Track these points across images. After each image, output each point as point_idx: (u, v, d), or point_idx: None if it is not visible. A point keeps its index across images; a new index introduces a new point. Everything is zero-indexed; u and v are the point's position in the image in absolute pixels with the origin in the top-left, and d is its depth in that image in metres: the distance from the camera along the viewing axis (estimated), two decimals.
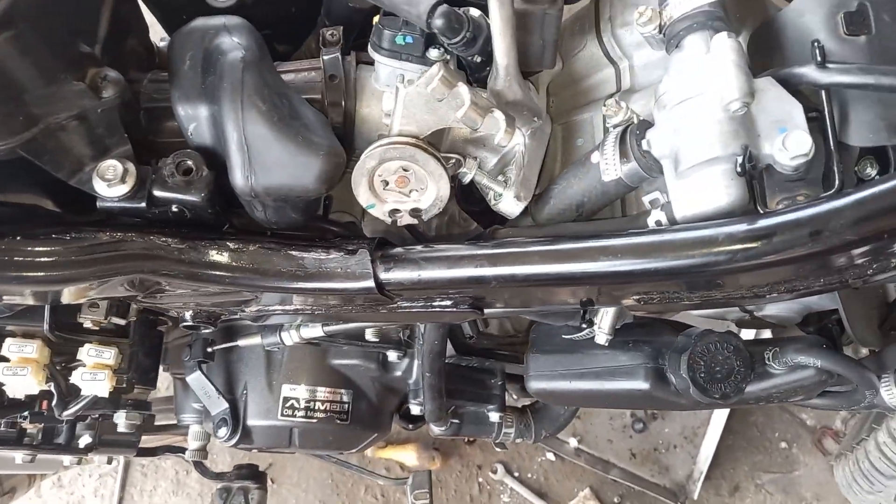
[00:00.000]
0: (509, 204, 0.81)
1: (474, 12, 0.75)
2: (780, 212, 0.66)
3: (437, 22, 0.70)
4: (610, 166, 0.76)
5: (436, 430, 1.25)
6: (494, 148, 0.84)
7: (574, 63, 0.94)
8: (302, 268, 0.79)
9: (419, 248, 0.80)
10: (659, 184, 0.78)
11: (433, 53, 0.78)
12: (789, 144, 0.68)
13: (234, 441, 1.18)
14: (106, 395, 1.04)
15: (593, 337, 1.00)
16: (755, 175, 0.70)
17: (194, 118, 0.75)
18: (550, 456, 2.27)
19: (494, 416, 1.28)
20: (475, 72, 0.80)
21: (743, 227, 0.66)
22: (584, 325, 0.92)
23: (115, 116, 0.71)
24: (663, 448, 2.32)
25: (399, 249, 0.80)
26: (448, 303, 0.82)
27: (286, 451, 1.41)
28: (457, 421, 1.26)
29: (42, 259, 0.69)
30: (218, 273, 0.77)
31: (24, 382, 0.98)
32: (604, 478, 2.24)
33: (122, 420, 1.26)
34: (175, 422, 1.42)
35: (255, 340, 1.13)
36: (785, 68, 0.74)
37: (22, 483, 1.53)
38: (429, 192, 0.80)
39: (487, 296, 0.80)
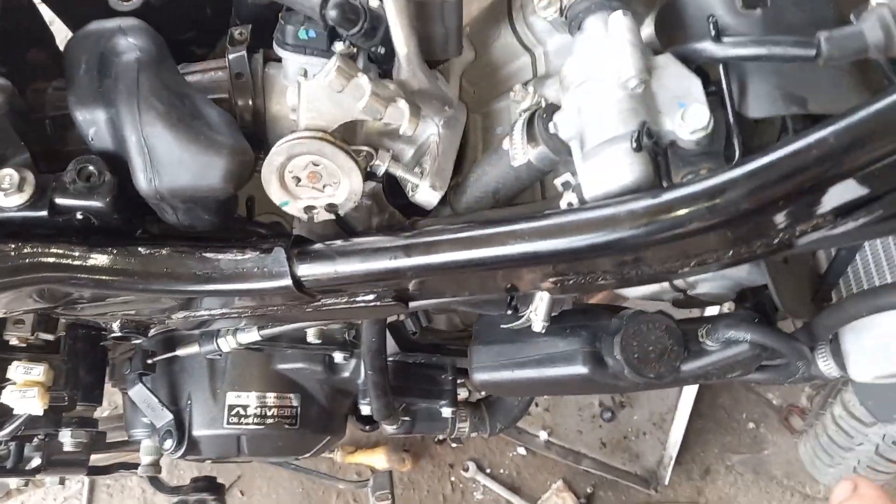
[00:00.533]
0: (426, 194, 0.81)
1: (373, 2, 0.74)
2: (678, 185, 0.66)
3: (331, 13, 0.69)
4: (518, 151, 0.76)
5: (388, 429, 1.25)
6: (409, 139, 0.84)
7: (491, 52, 0.94)
8: (218, 269, 0.78)
9: (338, 242, 0.79)
10: (572, 166, 0.79)
11: (338, 47, 0.77)
12: (688, 119, 0.69)
13: (180, 453, 1.16)
14: (40, 412, 1.02)
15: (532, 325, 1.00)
16: (660, 151, 0.71)
17: (93, 122, 0.74)
18: (521, 450, 2.26)
19: (447, 412, 1.27)
20: (383, 63, 0.80)
21: (643, 203, 0.66)
22: (510, 312, 0.91)
23: (6, 124, 0.70)
24: (633, 436, 2.33)
25: (317, 245, 0.80)
26: (371, 297, 0.81)
27: (238, 461, 1.40)
28: (408, 419, 1.25)
29: None
30: (128, 280, 0.76)
31: None
32: (575, 469, 2.25)
33: (67, 439, 1.24)
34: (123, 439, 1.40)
35: (194, 349, 1.11)
36: (684, 44, 0.75)
37: None
38: (342, 186, 0.79)
39: (408, 287, 0.80)
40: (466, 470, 2.21)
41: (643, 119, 0.69)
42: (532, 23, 0.89)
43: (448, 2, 0.74)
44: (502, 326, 1.05)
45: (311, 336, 1.15)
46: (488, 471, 2.23)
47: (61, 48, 0.91)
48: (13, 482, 1.27)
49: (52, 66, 0.88)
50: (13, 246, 0.70)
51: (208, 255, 0.78)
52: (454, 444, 1.46)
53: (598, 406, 2.31)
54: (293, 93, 0.77)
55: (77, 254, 0.73)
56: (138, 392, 1.16)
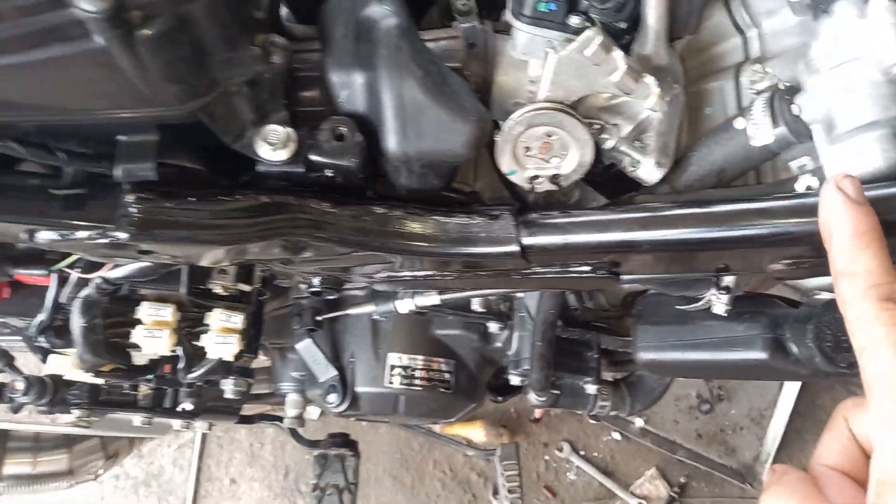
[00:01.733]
0: (649, 171, 0.82)
1: None
2: None
3: None
4: (759, 131, 0.76)
5: (535, 400, 1.27)
6: (630, 115, 0.84)
7: (700, 31, 0.93)
8: (446, 233, 0.81)
9: (558, 213, 0.82)
10: (802, 149, 0.79)
11: (574, 20, 0.78)
12: None
13: (343, 407, 1.21)
14: (232, 358, 1.08)
15: (708, 308, 1.00)
16: None
17: (348, 85, 0.77)
18: (616, 435, 2.28)
19: (591, 389, 1.30)
20: (616, 38, 0.81)
21: None
22: (721, 293, 0.92)
23: (279, 82, 0.74)
24: (730, 429, 2.31)
25: (536, 215, 0.82)
26: (586, 269, 0.83)
27: (384, 420, 1.45)
28: (556, 392, 1.27)
29: (211, 220, 0.73)
30: (366, 237, 0.79)
31: (159, 344, 1.02)
32: (669, 458, 2.25)
33: (229, 386, 1.31)
34: (267, 391, 1.47)
35: (368, 309, 1.16)
36: None
37: (124, 447, 1.59)
38: (570, 158, 0.81)
39: (628, 261, 0.81)
40: (561, 450, 2.24)
41: None
42: (749, 3, 0.88)
43: None
44: (677, 307, 1.06)
45: (476, 305, 1.18)
46: (582, 453, 2.25)
47: None
48: (177, 423, 1.35)
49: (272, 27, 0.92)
50: (273, 198, 0.75)
51: (438, 217, 0.81)
52: (592, 421, 1.48)
53: (695, 397, 2.30)
54: (536, 64, 0.78)
55: (326, 210, 0.77)
56: (306, 347, 1.22)
